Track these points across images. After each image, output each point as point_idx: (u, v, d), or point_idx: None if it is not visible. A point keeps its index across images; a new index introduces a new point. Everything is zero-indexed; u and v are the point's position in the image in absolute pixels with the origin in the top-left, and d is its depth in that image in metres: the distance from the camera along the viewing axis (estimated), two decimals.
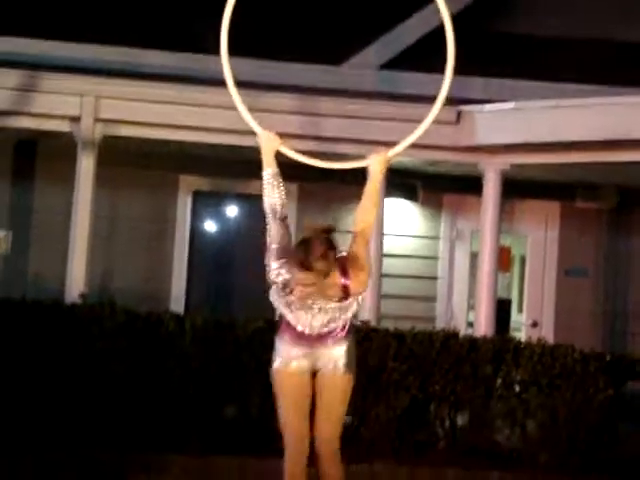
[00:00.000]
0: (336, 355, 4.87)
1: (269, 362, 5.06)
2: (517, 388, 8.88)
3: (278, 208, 4.84)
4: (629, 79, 10.28)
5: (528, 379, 8.81)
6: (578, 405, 8.71)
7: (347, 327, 4.91)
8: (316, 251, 4.66)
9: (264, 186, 4.90)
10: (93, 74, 9.89)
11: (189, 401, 8.50)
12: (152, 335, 8.59)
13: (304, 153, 5.52)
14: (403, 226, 11.25)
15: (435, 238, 11.41)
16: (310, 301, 4.80)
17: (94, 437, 8.12)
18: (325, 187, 10.46)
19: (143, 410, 8.42)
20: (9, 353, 8.40)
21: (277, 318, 4.97)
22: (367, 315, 9.33)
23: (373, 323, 9.23)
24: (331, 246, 4.77)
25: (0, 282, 10.57)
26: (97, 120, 9.66)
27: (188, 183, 11.15)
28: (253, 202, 11.36)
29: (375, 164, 5.16)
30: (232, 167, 10.94)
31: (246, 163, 10.69)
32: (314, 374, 4.88)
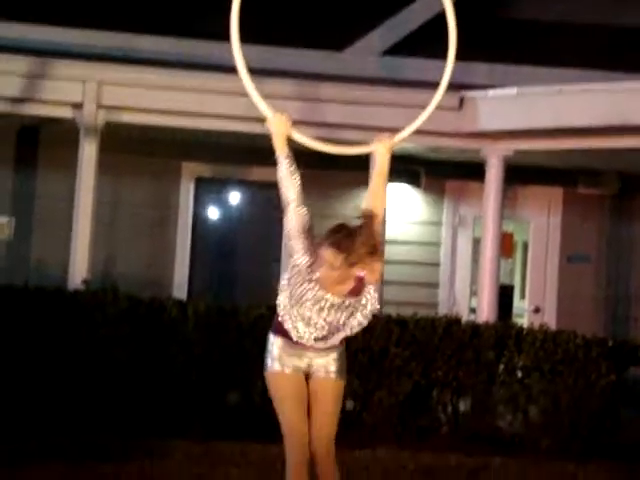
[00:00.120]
0: (327, 362, 4.87)
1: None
2: (519, 374, 8.90)
3: (296, 193, 4.77)
4: (633, 64, 10.26)
5: (530, 365, 8.82)
6: (580, 391, 8.73)
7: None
8: (369, 239, 4.62)
9: (280, 172, 4.80)
10: (96, 60, 9.90)
11: (192, 387, 8.53)
12: (155, 321, 8.61)
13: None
14: (405, 212, 11.25)
15: (437, 224, 11.41)
16: (314, 312, 4.76)
17: (97, 423, 8.14)
18: (325, 174, 10.45)
19: (146, 396, 8.45)
20: (12, 340, 8.42)
21: (278, 317, 4.89)
22: (376, 303, 9.32)
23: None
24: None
25: (3, 269, 10.58)
26: (100, 106, 9.65)
27: (190, 170, 11.15)
28: (256, 189, 11.39)
29: (381, 150, 5.12)
30: (235, 154, 10.94)
31: (249, 150, 10.74)
32: (307, 377, 4.87)
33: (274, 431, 4.93)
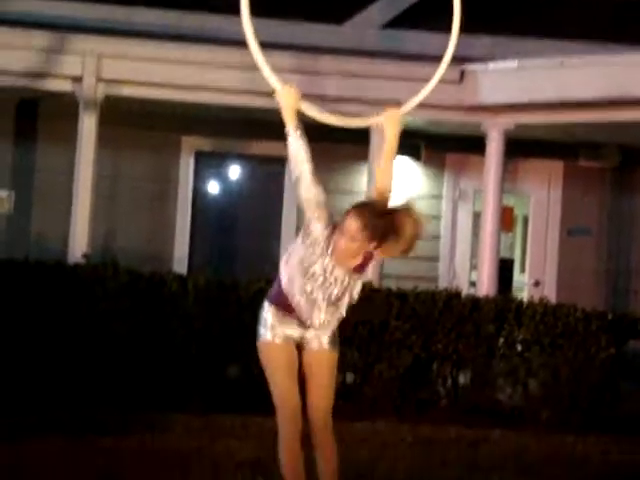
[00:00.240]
0: (319, 334, 4.87)
1: None
2: (519, 347, 8.92)
3: (308, 166, 4.76)
4: (635, 37, 10.22)
5: (530, 338, 8.84)
6: (580, 364, 8.75)
7: None
8: (400, 228, 4.67)
9: (291, 145, 4.77)
10: (96, 33, 9.85)
11: (192, 361, 8.54)
12: (155, 296, 8.62)
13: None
14: (406, 186, 11.23)
15: (438, 198, 11.40)
16: (319, 291, 4.76)
17: (97, 397, 8.16)
18: (327, 147, 10.42)
19: (146, 370, 8.46)
20: (13, 314, 8.43)
21: (276, 287, 4.89)
22: (369, 275, 9.35)
23: (375, 283, 9.25)
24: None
25: (3, 242, 10.58)
26: (99, 80, 9.63)
27: (190, 144, 11.12)
28: (256, 162, 11.37)
29: (389, 125, 5.11)
30: (235, 127, 10.92)
31: (249, 123, 10.72)
32: (299, 349, 4.88)
33: (274, 404, 4.93)
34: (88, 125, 9.66)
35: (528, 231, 11.70)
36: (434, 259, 11.32)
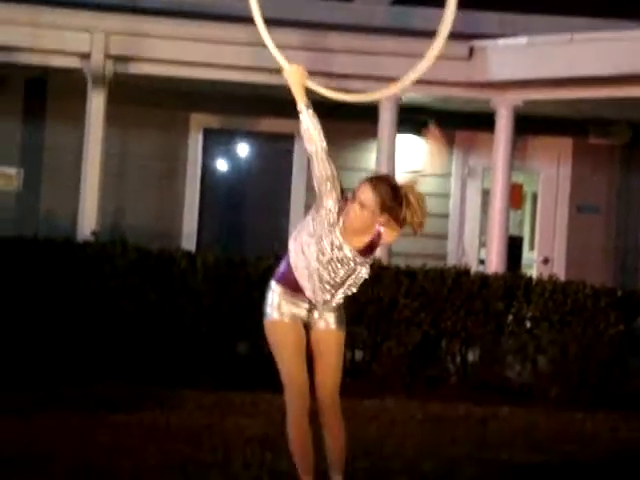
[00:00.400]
0: (326, 314, 4.88)
1: None
2: (528, 324, 8.92)
3: (321, 142, 4.77)
4: None
5: (539, 315, 8.84)
6: (589, 340, 8.75)
7: None
8: (415, 208, 4.69)
9: (303, 123, 4.78)
10: (104, 10, 9.83)
11: (201, 338, 8.57)
12: (164, 273, 8.63)
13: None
14: (414, 163, 11.22)
15: (447, 175, 11.38)
16: (325, 273, 4.77)
17: (108, 373, 8.19)
18: (335, 124, 10.39)
19: (156, 347, 8.49)
20: (22, 291, 8.46)
21: (284, 265, 4.89)
22: (378, 253, 9.34)
23: (384, 261, 9.25)
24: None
25: (12, 220, 10.60)
26: (107, 57, 9.61)
27: (199, 121, 11.11)
28: (264, 139, 11.35)
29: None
30: (243, 105, 10.90)
31: (257, 100, 10.70)
32: (306, 328, 4.88)
33: (282, 382, 4.94)
34: (96, 103, 9.66)
35: (537, 208, 11.68)
36: (443, 237, 11.31)
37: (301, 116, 4.81)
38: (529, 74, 9.61)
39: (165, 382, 8.14)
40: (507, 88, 9.85)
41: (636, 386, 8.79)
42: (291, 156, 10.94)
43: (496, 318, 8.88)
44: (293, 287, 4.83)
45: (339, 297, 4.87)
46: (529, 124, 10.60)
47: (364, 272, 4.87)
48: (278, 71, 5.09)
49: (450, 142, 11.34)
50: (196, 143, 11.11)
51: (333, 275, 4.78)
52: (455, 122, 11.15)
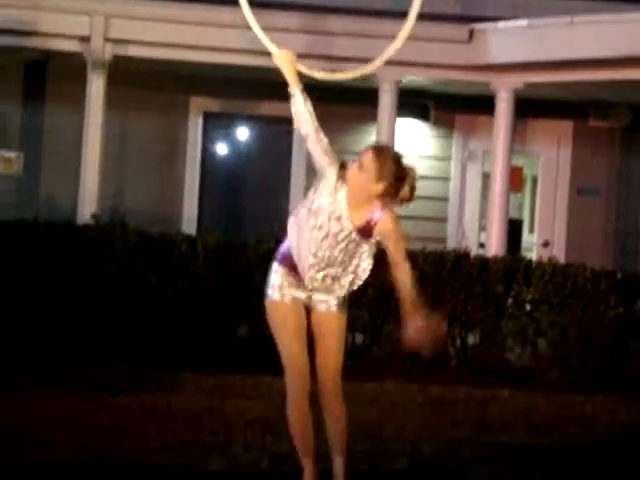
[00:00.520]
0: (327, 297, 4.87)
1: None
2: (528, 307, 8.93)
3: (313, 124, 4.80)
4: None
5: (539, 298, 8.85)
6: (589, 323, 8.76)
7: None
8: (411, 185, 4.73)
9: (294, 106, 4.83)
10: None
11: (202, 321, 8.58)
12: (164, 256, 8.64)
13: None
14: (415, 146, 11.21)
15: (447, 159, 11.37)
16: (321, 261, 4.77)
17: (108, 356, 8.21)
18: (335, 108, 10.39)
19: (156, 330, 8.51)
20: (23, 274, 8.47)
21: (285, 245, 4.89)
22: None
23: None
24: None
25: (12, 203, 10.60)
26: (107, 40, 9.61)
27: (199, 104, 11.10)
28: (264, 123, 11.34)
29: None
30: (243, 88, 10.88)
31: (257, 84, 10.68)
32: (307, 311, 4.89)
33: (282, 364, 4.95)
34: (96, 86, 9.65)
35: (537, 191, 11.68)
36: (443, 220, 11.31)
37: (292, 99, 4.86)
38: (529, 57, 9.59)
39: (166, 365, 8.16)
40: (507, 71, 9.84)
41: (636, 369, 8.81)
42: (291, 139, 10.92)
43: (496, 301, 8.89)
44: (294, 267, 4.83)
45: (337, 285, 4.84)
46: (529, 107, 10.59)
47: (366, 265, 4.86)
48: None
49: (450, 126, 11.33)
50: (196, 126, 11.10)
51: (328, 254, 4.76)
52: (455, 105, 11.13)
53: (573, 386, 8.50)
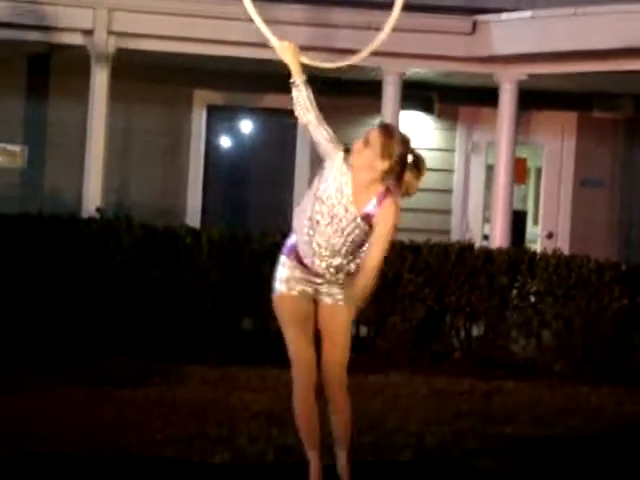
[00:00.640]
0: (334, 290, 4.88)
1: None
2: (532, 299, 8.94)
3: (314, 114, 4.82)
4: None
5: (543, 290, 8.86)
6: (593, 314, 8.77)
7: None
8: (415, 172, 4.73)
9: (296, 97, 4.86)
10: None
11: (206, 314, 8.60)
12: (169, 249, 8.65)
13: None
14: (418, 139, 11.20)
15: (450, 150, 11.37)
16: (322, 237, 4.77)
17: (113, 349, 8.23)
18: (339, 101, 10.38)
19: (161, 323, 8.53)
20: (27, 267, 8.48)
21: (291, 236, 4.90)
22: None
23: None
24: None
25: (17, 197, 10.61)
26: (110, 33, 9.61)
27: (202, 97, 11.10)
28: (267, 116, 11.34)
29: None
30: (247, 81, 10.88)
31: (260, 77, 10.67)
32: (314, 304, 4.89)
33: (289, 356, 4.96)
34: (100, 79, 9.65)
35: (541, 183, 11.67)
36: (447, 212, 11.31)
37: (294, 90, 4.89)
38: (533, 48, 9.58)
39: (170, 358, 8.18)
40: (511, 62, 9.83)
41: (639, 360, 8.81)
42: (295, 132, 10.92)
43: (500, 293, 8.90)
44: (300, 259, 4.84)
45: (343, 276, 4.85)
46: (533, 98, 10.58)
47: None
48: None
49: (454, 118, 11.32)
50: (200, 119, 11.10)
51: (332, 241, 4.76)
52: (459, 97, 11.12)
53: (577, 377, 8.51)
